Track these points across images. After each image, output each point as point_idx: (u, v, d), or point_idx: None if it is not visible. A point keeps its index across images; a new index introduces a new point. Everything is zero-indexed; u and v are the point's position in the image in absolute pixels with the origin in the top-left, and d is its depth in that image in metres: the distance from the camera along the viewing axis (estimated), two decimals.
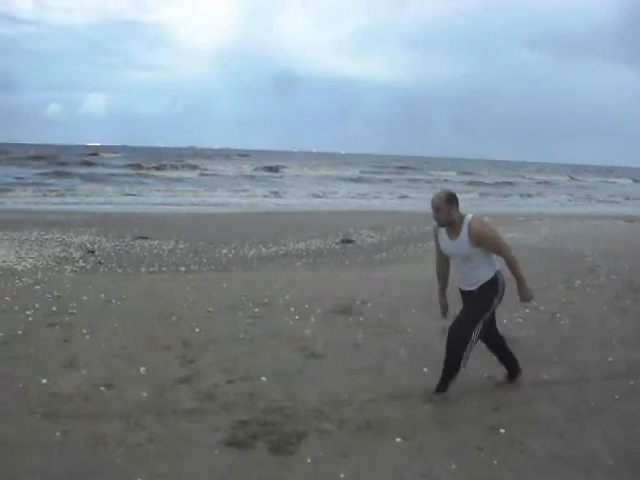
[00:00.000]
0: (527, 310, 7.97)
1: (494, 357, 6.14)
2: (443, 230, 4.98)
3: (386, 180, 55.98)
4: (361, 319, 7.43)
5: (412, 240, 16.05)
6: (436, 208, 4.87)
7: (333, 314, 7.75)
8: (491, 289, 4.97)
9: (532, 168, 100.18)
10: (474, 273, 4.96)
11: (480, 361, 6.00)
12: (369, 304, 7.61)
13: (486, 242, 4.84)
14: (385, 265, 11.59)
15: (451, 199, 4.87)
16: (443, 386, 5.05)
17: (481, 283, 4.96)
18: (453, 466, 3.96)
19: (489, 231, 4.91)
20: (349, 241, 15.37)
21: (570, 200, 42.92)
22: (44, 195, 31.95)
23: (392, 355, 6.07)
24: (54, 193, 33.05)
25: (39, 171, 47.04)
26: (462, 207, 4.91)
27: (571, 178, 72.62)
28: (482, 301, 4.98)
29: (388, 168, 73.68)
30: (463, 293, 5.12)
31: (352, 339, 6.68)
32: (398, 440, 4.31)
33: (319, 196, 38.01)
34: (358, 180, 55.99)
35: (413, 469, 3.94)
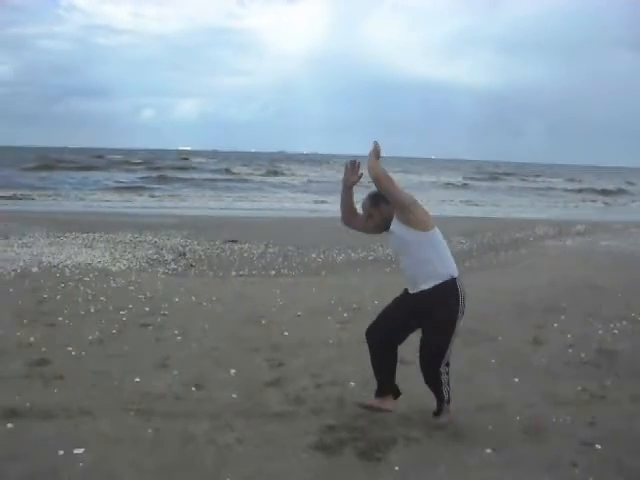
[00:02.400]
0: (624, 322, 7.69)
1: (588, 369, 5.95)
2: None
3: (490, 188, 53.84)
4: None
5: (502, 247, 15.71)
6: (369, 216, 4.58)
7: None
8: (452, 298, 4.41)
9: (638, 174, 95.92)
10: (421, 266, 4.41)
11: (573, 373, 5.83)
12: None
13: (389, 197, 4.35)
14: (475, 272, 11.37)
15: (376, 199, 4.50)
16: (438, 410, 4.63)
17: (434, 282, 4.39)
18: None
19: None
20: None
21: None
22: (141, 199, 33.06)
23: (482, 364, 5.96)
24: (152, 197, 34.13)
25: (138, 175, 48.72)
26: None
27: None
28: (445, 315, 4.39)
29: (487, 174, 71.83)
30: (415, 300, 4.51)
31: None
32: (488, 451, 4.19)
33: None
34: (461, 187, 54.76)
35: None
